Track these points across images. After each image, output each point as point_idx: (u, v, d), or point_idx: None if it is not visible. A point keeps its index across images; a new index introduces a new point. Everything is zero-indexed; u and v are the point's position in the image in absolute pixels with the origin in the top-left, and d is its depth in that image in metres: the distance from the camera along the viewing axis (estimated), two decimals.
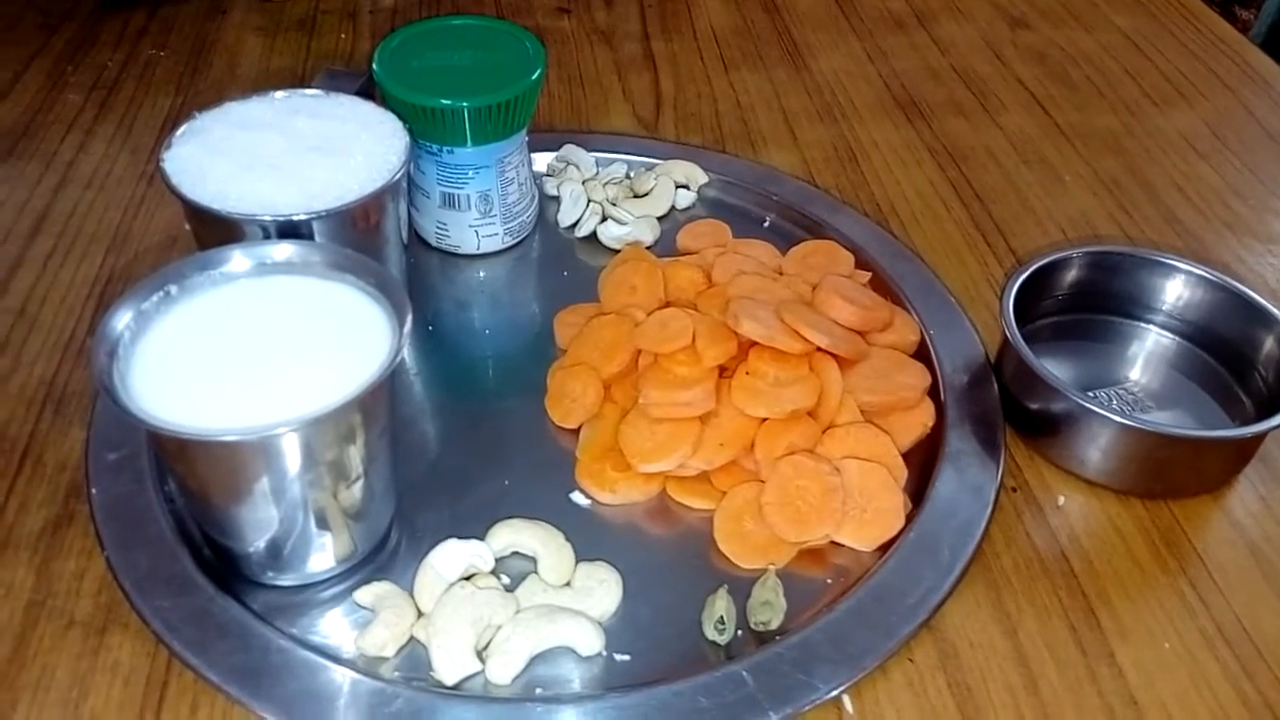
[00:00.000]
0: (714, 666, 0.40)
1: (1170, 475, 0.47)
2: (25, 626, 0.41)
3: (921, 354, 0.51)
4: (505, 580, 0.43)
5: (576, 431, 0.49)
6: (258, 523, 0.40)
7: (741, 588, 0.43)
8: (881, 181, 0.64)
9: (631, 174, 0.63)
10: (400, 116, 0.51)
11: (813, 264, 0.55)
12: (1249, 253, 0.60)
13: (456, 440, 0.49)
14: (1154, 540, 0.45)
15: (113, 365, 0.38)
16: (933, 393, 0.50)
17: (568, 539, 0.44)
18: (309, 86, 0.52)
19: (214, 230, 0.45)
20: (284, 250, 0.43)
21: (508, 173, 0.56)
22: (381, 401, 0.40)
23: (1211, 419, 0.50)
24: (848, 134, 0.68)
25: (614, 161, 0.64)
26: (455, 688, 0.39)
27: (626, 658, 0.41)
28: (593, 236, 0.60)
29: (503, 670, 0.39)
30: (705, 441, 0.46)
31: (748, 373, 0.47)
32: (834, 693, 0.39)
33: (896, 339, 0.51)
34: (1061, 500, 0.47)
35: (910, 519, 0.45)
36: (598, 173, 0.63)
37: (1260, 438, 0.47)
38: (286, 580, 0.42)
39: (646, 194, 0.62)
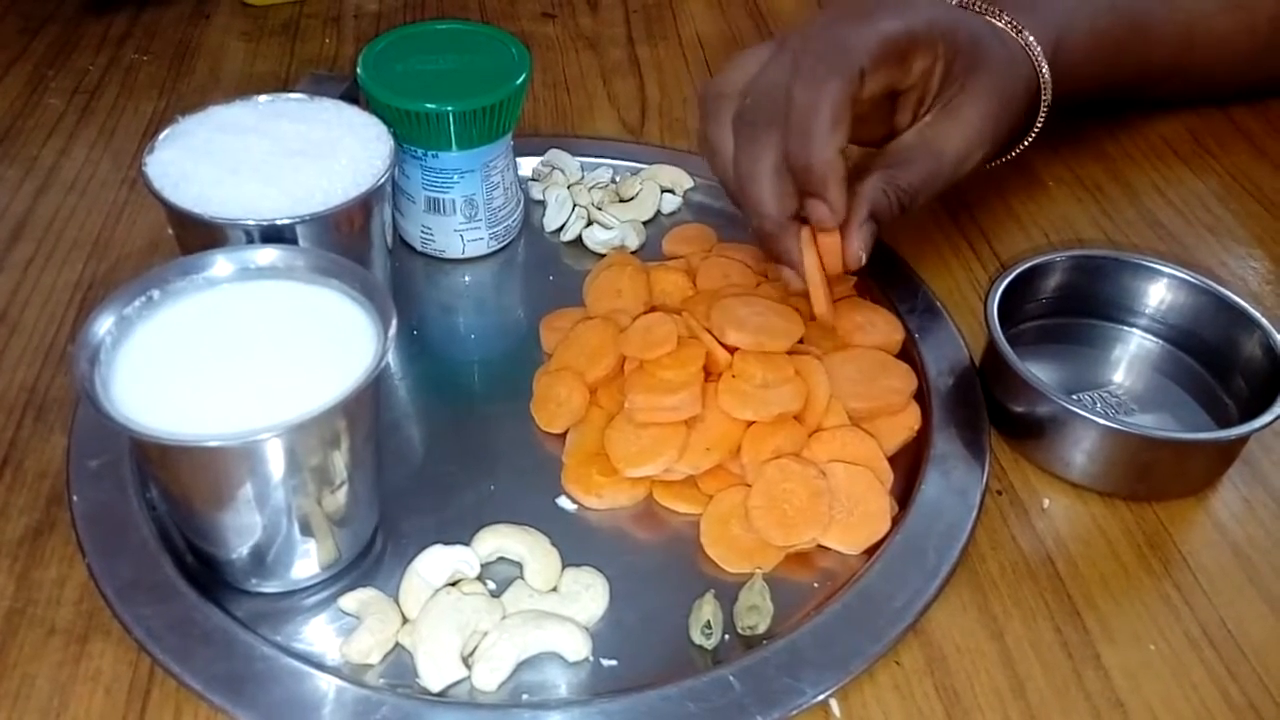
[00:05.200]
0: (701, 671, 0.39)
1: (1154, 478, 0.47)
2: (5, 635, 0.41)
3: (906, 358, 0.51)
4: (491, 586, 0.43)
5: (562, 436, 0.49)
6: (241, 529, 0.39)
7: (728, 592, 0.43)
8: None
9: (617, 178, 0.63)
10: (385, 120, 0.50)
11: None
12: (1230, 256, 0.61)
13: (442, 445, 0.49)
14: (1139, 542, 0.46)
15: (94, 371, 0.38)
16: (918, 397, 0.50)
17: (554, 544, 0.44)
18: (293, 91, 0.52)
19: (197, 235, 0.45)
20: (267, 255, 0.43)
21: (493, 177, 0.56)
22: (366, 407, 0.40)
23: (1195, 421, 0.50)
24: None
25: (599, 166, 0.64)
26: (441, 694, 0.39)
27: (613, 663, 0.41)
28: (578, 241, 0.60)
29: (489, 676, 0.39)
30: (691, 446, 0.46)
31: (734, 376, 0.47)
32: (821, 697, 0.39)
33: (881, 339, 0.51)
34: (1046, 503, 0.47)
35: (896, 522, 0.45)
36: (583, 177, 0.63)
37: (1243, 440, 0.47)
38: (270, 587, 0.42)
39: (632, 198, 0.62)
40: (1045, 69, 0.53)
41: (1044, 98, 0.54)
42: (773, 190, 0.46)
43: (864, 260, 0.47)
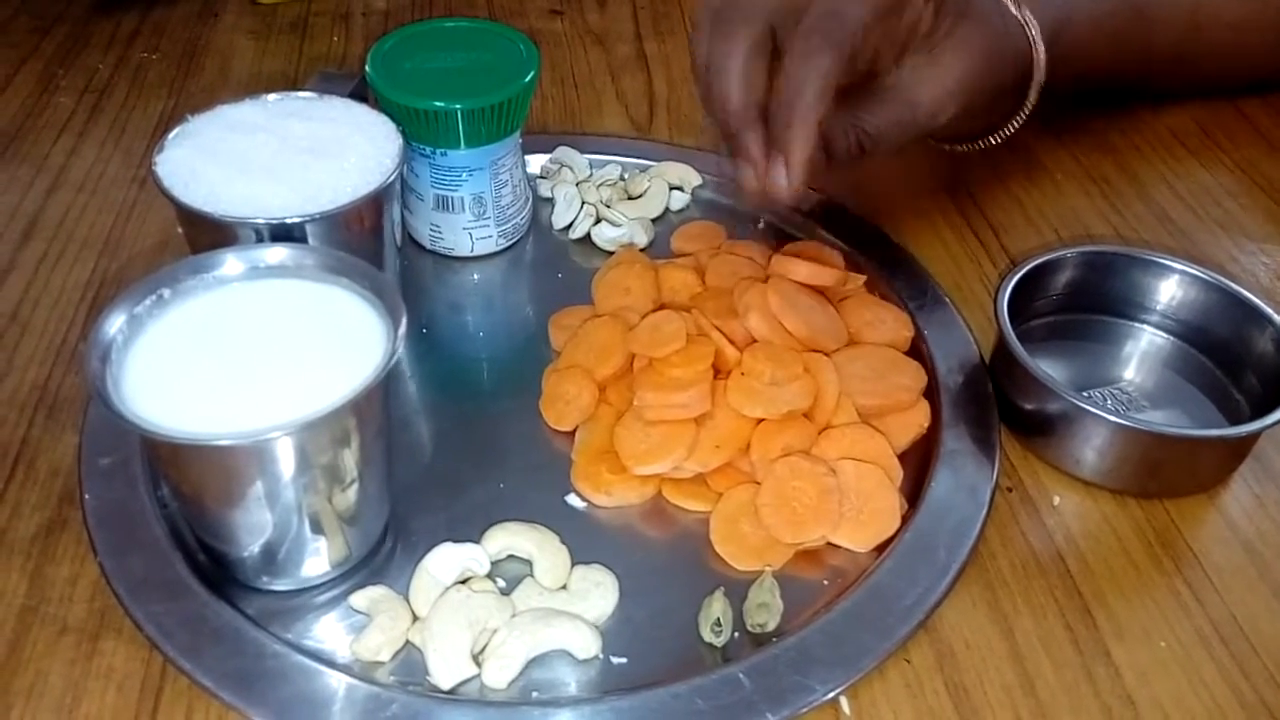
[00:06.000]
0: (711, 669, 0.40)
1: (1165, 474, 0.47)
2: (18, 632, 0.41)
3: (916, 355, 0.51)
4: (501, 584, 0.43)
5: (572, 434, 0.49)
6: (252, 527, 0.40)
7: (738, 590, 0.43)
8: (874, 181, 0.64)
9: (625, 176, 0.63)
10: (393, 119, 0.50)
11: None
12: (1241, 251, 0.60)
13: (451, 443, 0.49)
14: (1149, 540, 0.45)
15: (105, 370, 0.38)
16: (928, 394, 0.50)
17: (563, 542, 0.44)
18: (302, 89, 0.52)
19: (206, 233, 0.45)
20: (277, 253, 0.43)
21: (501, 175, 0.56)
22: (376, 405, 0.40)
23: (1206, 418, 0.50)
24: None
25: (608, 163, 0.64)
26: (451, 692, 0.39)
27: (623, 660, 0.41)
28: (587, 238, 0.60)
29: (499, 674, 0.39)
30: (701, 443, 0.46)
31: (744, 373, 0.47)
32: (831, 694, 0.39)
33: (891, 336, 0.51)
34: (1057, 500, 0.47)
35: (906, 520, 0.45)
36: (591, 174, 0.63)
37: (1254, 436, 0.47)
38: (281, 585, 0.42)
39: (640, 196, 0.62)
40: (1041, 48, 0.53)
41: (1037, 77, 0.54)
42: (740, 84, 0.46)
43: (796, 187, 0.46)
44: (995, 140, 0.56)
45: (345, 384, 0.37)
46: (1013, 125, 0.56)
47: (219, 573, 0.42)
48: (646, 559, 0.44)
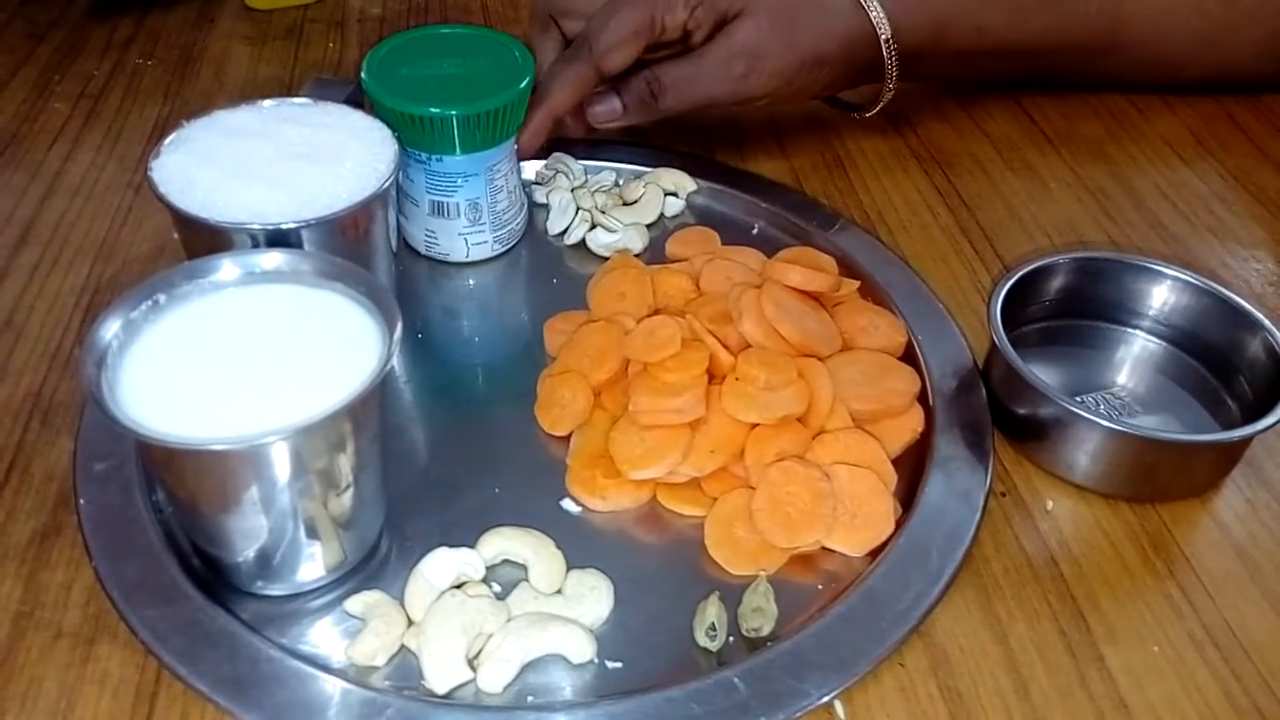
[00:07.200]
0: (706, 673, 0.40)
1: (1157, 479, 0.47)
2: (13, 638, 0.41)
3: (910, 360, 0.51)
4: (496, 588, 0.43)
5: (567, 439, 0.49)
6: (247, 532, 0.40)
7: (733, 594, 0.43)
8: (869, 189, 0.65)
9: (620, 182, 0.64)
10: (389, 125, 0.51)
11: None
12: (1233, 258, 0.61)
13: (446, 448, 0.49)
14: (1142, 544, 0.46)
15: (101, 375, 0.38)
16: (921, 398, 0.50)
17: (558, 546, 0.44)
18: (297, 95, 0.52)
19: (202, 239, 0.45)
20: (273, 259, 0.43)
21: (497, 181, 0.56)
22: (371, 410, 0.40)
23: (1198, 423, 0.50)
24: (835, 141, 0.69)
25: (603, 169, 0.64)
26: (446, 696, 0.39)
27: (618, 665, 0.41)
28: (582, 244, 0.60)
29: (494, 678, 0.39)
30: (695, 448, 0.46)
31: (738, 378, 0.47)
32: (826, 698, 0.39)
33: (884, 342, 0.52)
34: (1050, 505, 0.47)
35: (900, 524, 0.45)
36: (586, 180, 0.63)
37: (1246, 441, 0.47)
38: (276, 590, 0.42)
39: (635, 202, 0.62)
40: (874, 6, 0.59)
41: (882, 34, 0.59)
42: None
43: (526, 147, 0.58)
44: (881, 103, 0.64)
45: (340, 389, 0.37)
46: (885, 91, 0.63)
47: (214, 578, 0.42)
48: (641, 563, 0.44)
